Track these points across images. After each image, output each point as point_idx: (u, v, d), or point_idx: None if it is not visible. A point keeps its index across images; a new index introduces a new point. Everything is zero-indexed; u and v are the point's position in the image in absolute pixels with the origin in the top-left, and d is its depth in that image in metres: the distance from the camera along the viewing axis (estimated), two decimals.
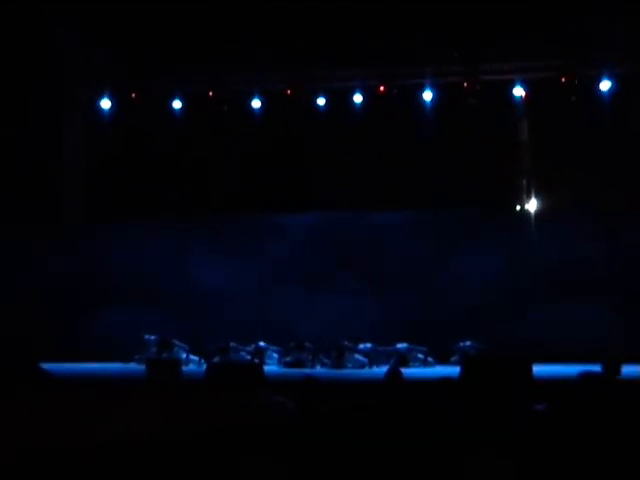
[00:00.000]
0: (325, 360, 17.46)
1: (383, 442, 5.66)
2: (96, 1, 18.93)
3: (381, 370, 15.07)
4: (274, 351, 18.17)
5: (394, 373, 8.19)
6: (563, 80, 19.64)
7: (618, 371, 8.03)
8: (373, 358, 17.35)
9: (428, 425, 6.55)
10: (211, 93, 20.72)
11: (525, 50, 19.84)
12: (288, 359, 17.58)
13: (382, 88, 20.41)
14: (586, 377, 8.05)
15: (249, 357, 17.92)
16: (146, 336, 18.57)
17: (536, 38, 19.27)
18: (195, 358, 17.92)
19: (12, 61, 19.81)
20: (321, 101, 20.78)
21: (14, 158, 20.27)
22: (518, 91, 20.20)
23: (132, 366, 17.53)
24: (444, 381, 7.73)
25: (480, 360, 11.59)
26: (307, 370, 16.26)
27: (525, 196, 20.92)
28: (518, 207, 20.90)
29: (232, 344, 17.95)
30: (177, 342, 18.16)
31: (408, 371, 15.79)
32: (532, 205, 20.72)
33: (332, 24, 18.98)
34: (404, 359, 17.34)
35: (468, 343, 17.72)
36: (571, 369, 8.24)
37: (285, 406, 3.28)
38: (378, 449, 5.64)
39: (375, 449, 5.62)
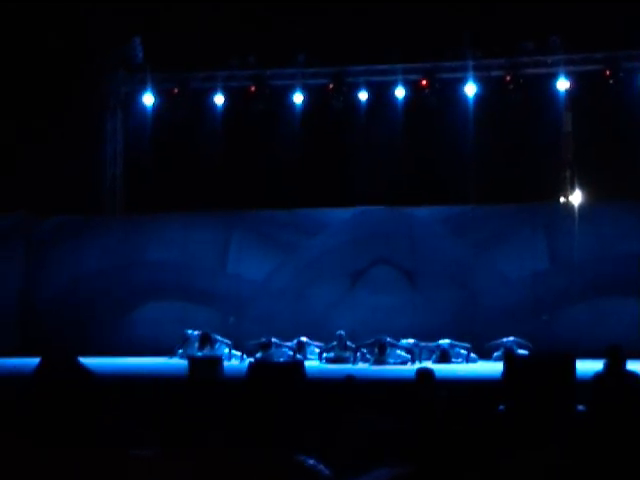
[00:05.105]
0: (367, 356, 17.28)
1: None
2: None
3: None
4: (315, 346, 18.07)
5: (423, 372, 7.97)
6: (607, 73, 19.41)
7: (622, 361, 7.88)
8: (415, 354, 17.17)
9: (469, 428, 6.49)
10: (253, 88, 20.75)
11: (568, 43, 19.64)
12: (330, 355, 17.44)
13: (424, 82, 20.30)
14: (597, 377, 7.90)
15: (291, 353, 17.81)
16: (189, 331, 18.58)
17: (580, 31, 19.05)
18: (237, 353, 17.86)
19: (52, 58, 19.99)
20: (363, 95, 20.73)
21: (55, 153, 20.41)
22: (562, 84, 20.01)
23: (175, 361, 17.54)
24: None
25: (523, 360, 11.49)
26: (349, 366, 16.13)
27: (569, 188, 20.71)
28: (562, 199, 20.71)
29: (274, 340, 17.84)
30: (219, 337, 18.10)
31: (450, 367, 15.73)
32: (576, 197, 20.50)
33: (373, 18, 18.91)
34: (446, 355, 17.17)
35: (511, 339, 17.52)
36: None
37: (316, 471, 3.10)
38: None
39: None
